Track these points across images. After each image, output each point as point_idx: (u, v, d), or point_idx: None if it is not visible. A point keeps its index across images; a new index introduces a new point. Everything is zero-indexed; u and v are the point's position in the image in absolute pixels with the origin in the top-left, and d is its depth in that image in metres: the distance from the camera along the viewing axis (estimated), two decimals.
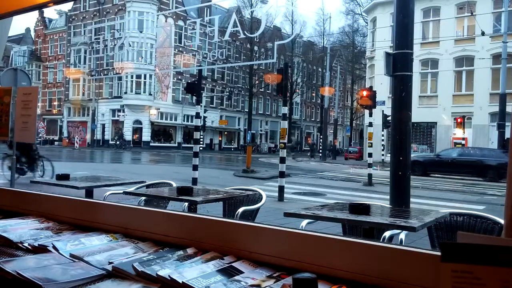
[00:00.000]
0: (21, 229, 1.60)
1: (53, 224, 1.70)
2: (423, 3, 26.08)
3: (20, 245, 1.44)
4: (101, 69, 38.20)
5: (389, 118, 11.88)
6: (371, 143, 13.81)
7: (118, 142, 35.64)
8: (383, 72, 6.00)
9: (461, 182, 16.07)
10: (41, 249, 1.38)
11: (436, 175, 18.06)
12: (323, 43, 43.64)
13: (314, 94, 53.78)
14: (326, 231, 1.24)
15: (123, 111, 37.12)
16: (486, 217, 2.72)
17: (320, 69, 49.72)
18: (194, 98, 11.84)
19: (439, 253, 0.69)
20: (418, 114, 21.56)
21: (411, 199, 6.06)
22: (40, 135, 35.76)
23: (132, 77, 36.76)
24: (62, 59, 43.51)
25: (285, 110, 9.83)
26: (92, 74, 40.05)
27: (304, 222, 2.88)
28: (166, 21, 34.89)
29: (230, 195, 3.47)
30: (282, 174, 9.25)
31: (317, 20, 64.82)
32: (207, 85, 41.46)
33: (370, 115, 13.23)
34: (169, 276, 1.10)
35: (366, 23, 36.41)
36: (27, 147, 10.44)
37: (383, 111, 22.02)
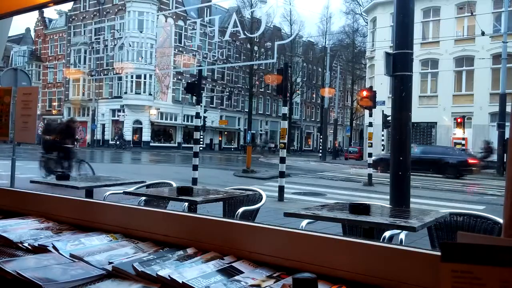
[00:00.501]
0: (21, 229, 1.60)
1: (53, 224, 1.70)
2: (423, 3, 26.07)
3: (20, 245, 1.44)
4: (101, 69, 38.20)
5: (389, 118, 11.87)
6: (371, 143, 13.80)
7: (118, 142, 35.65)
8: (383, 72, 6.00)
9: (423, 178, 16.53)
10: (41, 249, 1.38)
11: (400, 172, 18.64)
12: (325, 43, 43.65)
13: (314, 94, 53.78)
14: (326, 231, 1.24)
15: (123, 111, 37.13)
16: (486, 217, 2.72)
17: (320, 69, 49.73)
18: (194, 98, 11.84)
19: (439, 253, 0.69)
20: (418, 114, 21.56)
21: (411, 199, 6.06)
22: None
23: (132, 77, 36.77)
24: (62, 59, 43.51)
25: (285, 110, 9.83)
26: (92, 74, 40.06)
27: (304, 222, 2.88)
28: (166, 21, 34.89)
29: (230, 195, 3.47)
30: (282, 174, 9.25)
31: (320, 18, 64.78)
32: (207, 85, 41.46)
33: (370, 115, 13.22)
34: (169, 276, 1.10)
35: (366, 23, 36.41)
36: (66, 149, 10.11)
37: (383, 111, 22.01)
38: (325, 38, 43.26)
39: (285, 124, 9.69)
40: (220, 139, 45.05)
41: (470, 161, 18.04)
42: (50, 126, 12.32)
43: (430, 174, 17.67)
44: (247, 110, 42.33)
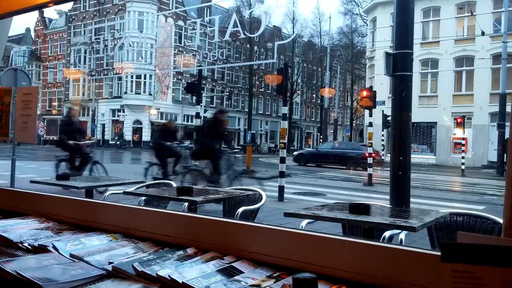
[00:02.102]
0: (21, 229, 1.60)
1: (53, 224, 1.70)
2: (423, 3, 26.07)
3: (20, 245, 1.44)
4: (101, 69, 38.20)
5: (389, 118, 11.87)
6: (371, 143, 13.80)
7: (118, 142, 35.64)
8: (383, 72, 6.00)
9: (332, 169, 19.62)
10: (41, 249, 1.38)
11: (313, 165, 21.77)
12: (320, 42, 43.64)
13: (314, 94, 53.77)
14: (326, 231, 1.24)
15: (123, 111, 37.12)
16: (486, 217, 2.72)
17: (320, 69, 49.72)
18: (194, 98, 11.83)
19: (439, 253, 0.69)
20: (418, 114, 21.57)
21: (411, 199, 6.06)
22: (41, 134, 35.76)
23: (132, 77, 36.77)
24: (62, 59, 43.50)
25: (285, 110, 9.83)
26: (92, 74, 40.05)
27: (304, 222, 2.88)
28: (166, 21, 34.88)
29: (230, 195, 3.47)
30: (282, 174, 9.25)
31: (312, 19, 64.61)
32: (207, 85, 41.44)
33: (370, 115, 13.22)
34: (169, 276, 1.10)
35: (365, 23, 36.41)
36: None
37: (383, 111, 22.00)
38: (320, 38, 43.26)
39: (285, 124, 9.68)
40: None
41: (367, 154, 18.79)
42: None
43: (338, 166, 20.49)
44: (247, 110, 42.33)
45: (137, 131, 38.07)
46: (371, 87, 14.61)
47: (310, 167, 21.26)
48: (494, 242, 0.71)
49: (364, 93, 12.98)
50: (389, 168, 6.16)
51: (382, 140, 24.63)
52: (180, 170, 8.67)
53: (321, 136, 32.80)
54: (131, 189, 3.79)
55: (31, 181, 4.07)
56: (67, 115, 9.99)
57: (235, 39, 32.35)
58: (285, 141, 9.72)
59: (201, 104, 12.15)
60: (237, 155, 11.02)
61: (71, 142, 8.71)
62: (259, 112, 47.67)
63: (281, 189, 9.13)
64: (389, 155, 7.15)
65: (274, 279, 1.13)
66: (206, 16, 32.00)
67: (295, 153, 24.43)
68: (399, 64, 5.75)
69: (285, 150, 9.63)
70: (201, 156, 8.16)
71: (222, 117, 8.18)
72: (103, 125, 39.23)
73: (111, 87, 39.26)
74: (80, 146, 8.93)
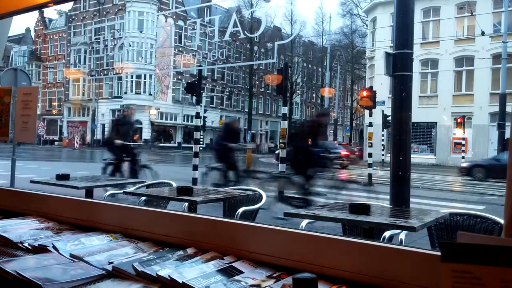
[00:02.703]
0: (21, 229, 1.60)
1: (53, 224, 1.70)
2: (423, 3, 26.07)
3: (20, 245, 1.44)
4: (101, 69, 38.21)
5: (389, 118, 11.87)
6: (371, 143, 13.80)
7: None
8: (383, 72, 6.00)
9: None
10: (41, 249, 1.38)
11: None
12: (322, 42, 43.64)
13: (314, 94, 53.77)
14: (326, 231, 1.24)
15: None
16: (486, 217, 2.72)
17: (320, 69, 49.73)
18: (194, 98, 11.83)
19: (439, 253, 0.69)
20: (418, 114, 21.56)
21: (411, 199, 6.06)
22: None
23: (132, 77, 36.78)
24: (62, 59, 43.50)
25: (285, 110, 9.83)
26: (92, 74, 40.06)
27: (304, 222, 2.88)
28: (166, 21, 34.89)
29: (230, 195, 3.48)
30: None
31: (317, 18, 64.65)
32: (207, 85, 41.45)
33: (370, 115, 13.22)
34: (169, 276, 1.10)
35: (365, 23, 36.40)
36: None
37: (383, 111, 22.00)
38: (322, 38, 43.26)
39: (285, 124, 9.69)
40: None
41: (342, 153, 18.79)
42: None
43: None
44: (247, 110, 42.33)
45: (137, 131, 38.07)
46: (371, 87, 14.61)
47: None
48: (494, 242, 0.71)
49: (364, 93, 12.97)
50: (388, 168, 6.13)
51: (382, 140, 24.63)
52: (262, 177, 7.88)
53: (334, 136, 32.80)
54: (131, 189, 3.79)
55: (31, 181, 4.06)
56: (122, 113, 8.76)
57: (235, 39, 32.34)
58: (285, 141, 9.72)
59: (201, 104, 12.15)
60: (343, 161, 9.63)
61: (120, 142, 7.95)
62: (259, 112, 47.67)
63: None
64: (389, 155, 7.14)
65: (274, 279, 1.13)
66: (206, 16, 32.00)
67: (276, 152, 26.11)
68: (399, 64, 5.74)
69: (285, 150, 9.63)
70: (301, 163, 7.26)
71: (323, 119, 7.74)
72: (103, 125, 39.23)
73: (111, 87, 39.26)
74: (131, 148, 8.17)
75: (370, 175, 13.01)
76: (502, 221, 1.04)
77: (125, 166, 8.10)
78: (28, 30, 47.46)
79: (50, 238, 1.49)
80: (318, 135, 7.30)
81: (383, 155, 24.61)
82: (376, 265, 1.08)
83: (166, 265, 1.20)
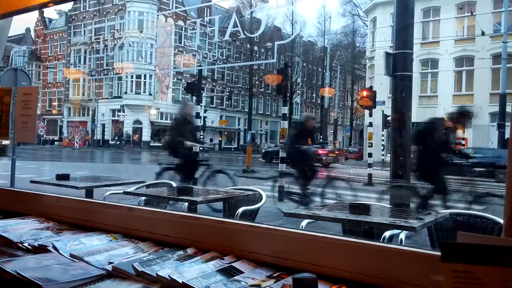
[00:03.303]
0: (21, 229, 1.60)
1: (53, 224, 1.70)
2: (423, 3, 26.05)
3: (20, 245, 1.44)
4: (101, 69, 38.19)
5: (389, 118, 11.87)
6: (371, 143, 13.80)
7: (122, 141, 35.67)
8: (383, 72, 6.00)
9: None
10: (41, 249, 1.38)
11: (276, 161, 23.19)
12: (324, 42, 43.65)
13: (314, 94, 53.75)
14: (325, 231, 1.24)
15: (123, 111, 37.12)
16: (486, 217, 2.72)
17: (320, 69, 49.71)
18: (194, 98, 11.84)
19: (439, 253, 0.69)
20: (418, 114, 21.54)
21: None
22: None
23: (132, 77, 36.77)
24: (62, 59, 43.48)
25: (285, 110, 9.84)
26: (92, 74, 40.05)
27: (304, 222, 2.88)
28: (166, 21, 34.87)
29: (230, 195, 3.47)
30: (282, 174, 9.24)
31: (318, 18, 64.63)
32: (207, 85, 41.43)
33: (370, 115, 13.22)
34: (169, 276, 1.10)
35: (364, 24, 36.40)
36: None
37: (383, 111, 21.99)
38: (323, 38, 43.27)
39: (285, 124, 9.69)
40: (220, 139, 45.00)
41: (320, 151, 19.02)
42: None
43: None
44: (247, 110, 42.32)
45: (137, 131, 38.08)
46: (371, 87, 14.61)
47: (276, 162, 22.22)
48: (494, 242, 0.71)
49: (364, 93, 12.97)
50: (388, 169, 6.11)
51: (382, 140, 24.62)
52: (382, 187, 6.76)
53: (321, 136, 32.79)
54: (131, 189, 3.79)
55: (31, 181, 4.06)
56: (180, 111, 7.71)
57: (235, 39, 32.34)
58: (285, 141, 9.72)
59: (201, 104, 12.15)
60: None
61: (190, 144, 7.17)
62: (259, 112, 47.66)
63: (281, 189, 9.14)
64: (389, 155, 7.14)
65: (274, 279, 1.13)
66: (206, 16, 31.99)
67: (263, 150, 27.32)
68: (399, 64, 5.75)
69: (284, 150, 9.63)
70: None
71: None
72: (103, 125, 39.23)
73: (111, 87, 39.25)
74: (191, 151, 7.40)
75: (370, 175, 13.01)
76: (502, 221, 1.04)
77: (189, 171, 7.31)
78: (28, 30, 47.45)
79: (50, 238, 1.49)
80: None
81: (383, 155, 24.61)
82: (376, 265, 1.08)
83: (166, 265, 1.20)
